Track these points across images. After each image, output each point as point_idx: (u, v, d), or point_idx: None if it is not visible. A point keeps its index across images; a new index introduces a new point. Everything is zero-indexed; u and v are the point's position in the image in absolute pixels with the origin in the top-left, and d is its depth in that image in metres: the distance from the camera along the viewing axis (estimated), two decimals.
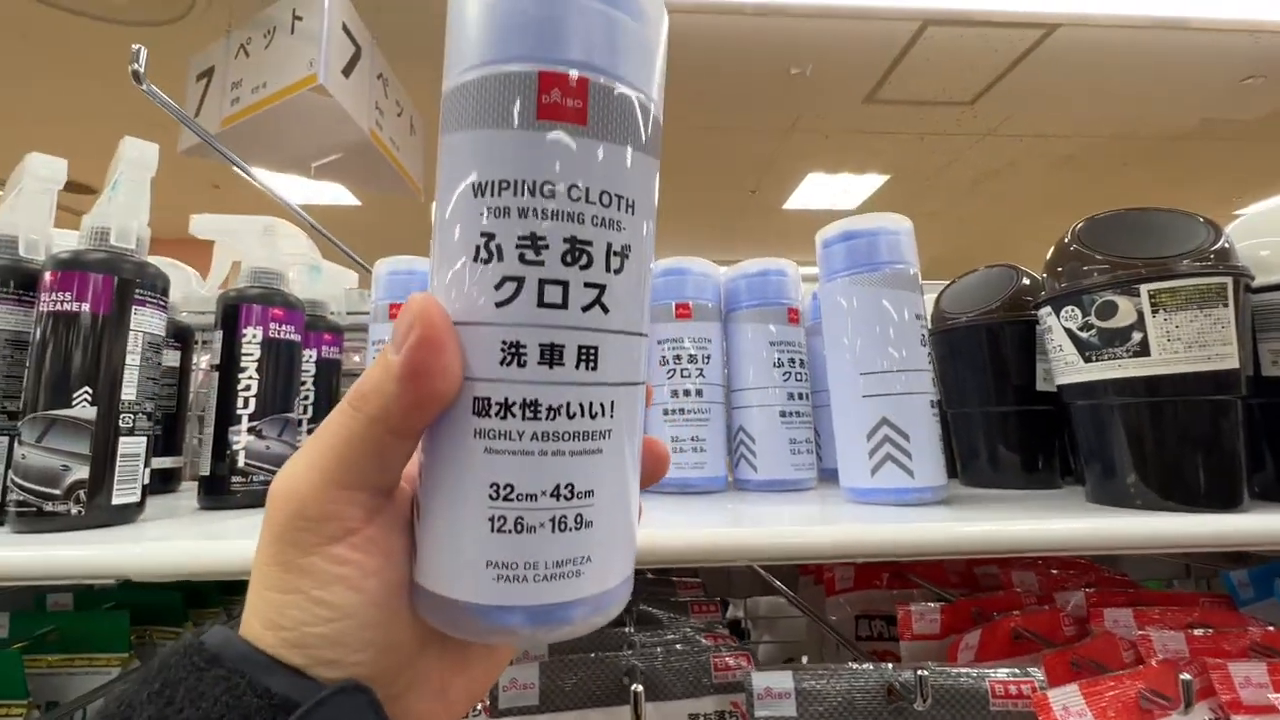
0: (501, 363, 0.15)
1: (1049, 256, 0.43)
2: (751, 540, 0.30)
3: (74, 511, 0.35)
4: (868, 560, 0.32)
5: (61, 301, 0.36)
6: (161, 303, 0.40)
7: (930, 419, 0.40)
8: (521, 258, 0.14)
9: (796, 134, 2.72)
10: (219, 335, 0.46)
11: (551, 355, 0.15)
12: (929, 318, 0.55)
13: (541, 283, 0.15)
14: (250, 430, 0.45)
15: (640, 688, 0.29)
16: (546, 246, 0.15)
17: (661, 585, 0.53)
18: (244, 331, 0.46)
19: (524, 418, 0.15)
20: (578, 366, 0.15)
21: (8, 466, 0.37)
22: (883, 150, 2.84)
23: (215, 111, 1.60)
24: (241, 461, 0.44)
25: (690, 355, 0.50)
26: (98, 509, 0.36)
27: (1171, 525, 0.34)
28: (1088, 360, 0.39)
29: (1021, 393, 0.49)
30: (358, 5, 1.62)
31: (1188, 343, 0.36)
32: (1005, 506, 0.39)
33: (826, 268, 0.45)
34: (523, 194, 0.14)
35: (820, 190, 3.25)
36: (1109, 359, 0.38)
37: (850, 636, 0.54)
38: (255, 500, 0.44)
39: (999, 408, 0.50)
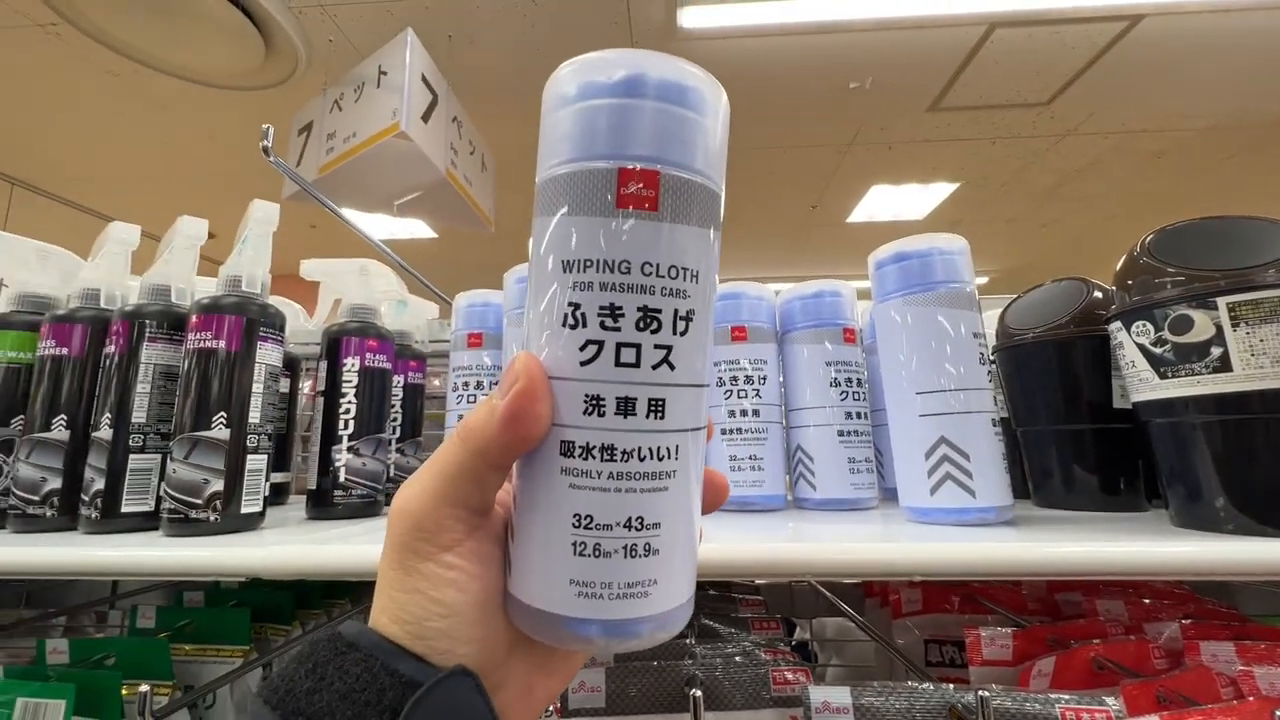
0: (584, 412, 0.17)
1: (1119, 269, 0.42)
2: (810, 555, 0.31)
3: (211, 519, 0.41)
4: (927, 579, 0.32)
5: (204, 340, 0.43)
6: (280, 338, 0.47)
7: (992, 438, 0.40)
8: (602, 324, 0.17)
9: (857, 147, 2.68)
10: (323, 365, 0.52)
11: (626, 407, 0.17)
12: (993, 334, 0.54)
13: (618, 346, 0.17)
14: (349, 449, 0.51)
15: (699, 693, 0.31)
16: (623, 315, 0.17)
17: (723, 601, 0.54)
18: (344, 361, 0.52)
19: (602, 459, 0.17)
20: (648, 416, 0.17)
21: (161, 479, 0.43)
22: (951, 158, 2.74)
23: (314, 161, 1.78)
24: (343, 477, 0.50)
25: (747, 376, 0.52)
26: (230, 517, 0.42)
27: (1268, 551, 0.32)
28: (1163, 376, 0.37)
29: (1096, 410, 0.47)
30: (434, 55, 1.76)
31: (1275, 357, 0.34)
32: (1077, 528, 0.38)
33: (880, 289, 0.46)
34: (603, 271, 0.17)
35: (885, 202, 3.16)
36: (1186, 375, 0.36)
37: (919, 661, 0.52)
38: (354, 512, 0.50)
39: (1072, 425, 0.48)
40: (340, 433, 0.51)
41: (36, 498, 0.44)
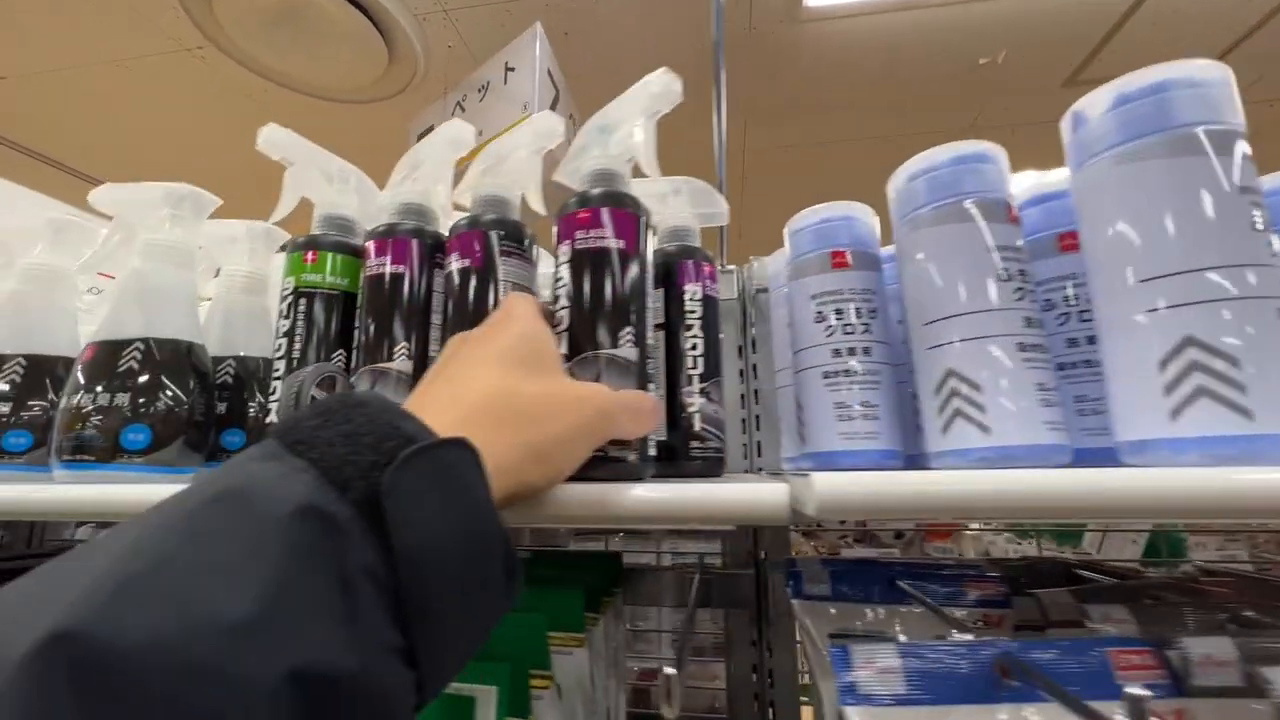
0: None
1: None
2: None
3: (631, 459, 0.32)
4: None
5: (593, 238, 0.34)
6: (526, 255, 0.39)
7: (1277, 333, 0.26)
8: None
9: (974, 133, 2.50)
10: (659, 294, 0.43)
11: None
12: None
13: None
14: (701, 392, 0.41)
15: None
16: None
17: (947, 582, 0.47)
18: (685, 288, 0.43)
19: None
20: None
21: None
22: None
23: None
24: (698, 425, 0.40)
25: (856, 309, 0.41)
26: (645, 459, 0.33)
27: None
28: None
29: None
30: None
31: None
32: None
33: (1081, 152, 0.33)
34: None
35: None
36: None
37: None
38: (709, 469, 0.41)
39: None
40: (690, 372, 0.41)
41: None
